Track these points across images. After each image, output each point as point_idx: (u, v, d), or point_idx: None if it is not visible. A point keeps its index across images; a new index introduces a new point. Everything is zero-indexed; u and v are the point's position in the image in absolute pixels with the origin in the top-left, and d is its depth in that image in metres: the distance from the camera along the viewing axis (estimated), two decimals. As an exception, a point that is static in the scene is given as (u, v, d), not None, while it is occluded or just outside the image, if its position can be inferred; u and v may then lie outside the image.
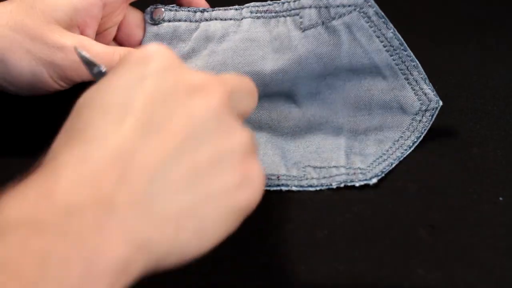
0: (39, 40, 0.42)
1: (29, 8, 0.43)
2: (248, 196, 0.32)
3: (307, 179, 0.43)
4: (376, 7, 0.46)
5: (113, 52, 0.44)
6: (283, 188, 0.42)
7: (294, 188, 0.42)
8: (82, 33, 0.45)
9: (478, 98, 0.50)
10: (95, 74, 0.36)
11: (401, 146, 0.44)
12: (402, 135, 0.45)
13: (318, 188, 0.42)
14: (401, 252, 0.39)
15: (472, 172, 0.44)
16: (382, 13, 0.46)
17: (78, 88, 0.50)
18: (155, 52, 0.33)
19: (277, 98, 0.48)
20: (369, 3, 0.46)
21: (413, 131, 0.45)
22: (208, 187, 0.31)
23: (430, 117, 0.45)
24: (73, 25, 0.44)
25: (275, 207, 0.41)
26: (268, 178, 0.43)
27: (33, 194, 0.28)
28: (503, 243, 0.39)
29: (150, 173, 0.29)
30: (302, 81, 0.47)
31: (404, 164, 0.44)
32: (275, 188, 0.42)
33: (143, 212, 0.29)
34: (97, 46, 0.44)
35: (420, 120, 0.45)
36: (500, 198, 0.42)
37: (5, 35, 0.42)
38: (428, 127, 0.45)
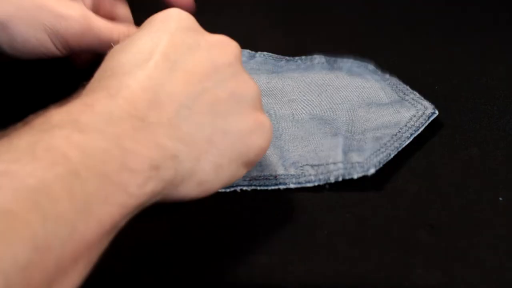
0: (45, 8, 0.43)
1: None
2: (260, 142, 0.37)
3: (305, 176, 0.43)
4: (375, 69, 0.52)
5: (111, 28, 0.45)
6: (281, 187, 0.42)
7: (292, 186, 0.42)
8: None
9: (478, 98, 0.50)
10: None
11: (399, 139, 0.45)
12: (400, 130, 0.45)
13: (316, 184, 0.42)
14: (401, 252, 0.39)
15: (472, 172, 0.44)
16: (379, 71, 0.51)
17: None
18: (178, 14, 0.38)
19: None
20: (370, 65, 0.52)
21: (411, 127, 0.45)
22: (226, 123, 0.35)
23: (427, 117, 0.46)
24: None
25: (275, 207, 0.42)
26: (266, 179, 0.43)
27: (75, 107, 0.32)
28: (503, 243, 0.39)
29: (178, 101, 0.34)
30: (306, 80, 0.50)
31: (404, 164, 0.44)
32: (273, 187, 0.42)
33: (173, 131, 0.33)
34: (100, 21, 0.45)
35: (417, 120, 0.46)
36: (500, 198, 0.42)
37: (11, 1, 0.43)
38: (426, 124, 0.45)
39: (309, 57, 0.53)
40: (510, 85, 0.51)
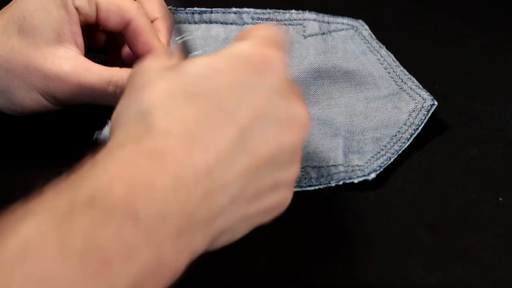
0: (32, 69, 0.41)
1: (17, 31, 0.42)
2: (278, 212, 0.35)
3: (305, 179, 0.43)
4: (370, 31, 0.52)
5: (108, 82, 0.42)
6: None
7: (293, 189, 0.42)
8: (73, 38, 0.43)
9: (478, 98, 0.50)
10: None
11: (399, 140, 0.45)
12: (399, 130, 0.45)
13: (317, 187, 0.42)
14: (400, 252, 0.39)
15: (472, 172, 0.44)
16: (375, 36, 0.51)
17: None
18: (279, 66, 0.32)
19: None
20: (365, 27, 0.52)
21: (410, 125, 0.45)
22: (256, 210, 0.33)
23: (426, 112, 0.46)
24: (63, 36, 0.43)
25: (275, 207, 0.42)
26: None
27: (137, 178, 0.29)
28: (503, 243, 0.39)
29: (228, 194, 0.30)
30: (302, 75, 0.49)
31: (404, 164, 0.44)
32: None
33: (209, 229, 0.30)
34: (91, 74, 0.42)
35: (416, 116, 0.46)
36: (500, 198, 0.42)
37: (0, 66, 0.41)
38: (425, 121, 0.45)
39: (300, 14, 0.52)
40: (510, 85, 0.51)
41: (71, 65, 0.42)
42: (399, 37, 0.58)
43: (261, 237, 0.40)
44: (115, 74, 0.43)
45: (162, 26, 0.46)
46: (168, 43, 0.47)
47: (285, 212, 0.41)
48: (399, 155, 0.44)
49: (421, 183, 0.43)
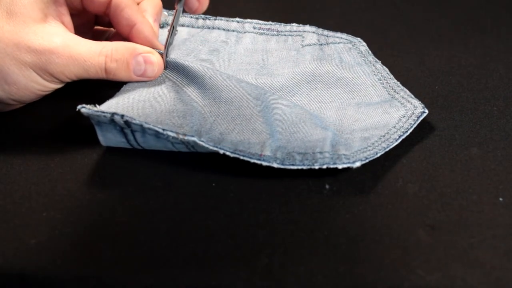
0: (22, 45, 0.42)
1: (6, 13, 0.43)
2: None
3: (289, 159, 0.43)
4: (367, 47, 0.53)
5: (98, 52, 0.44)
6: (264, 163, 0.42)
7: (275, 165, 0.42)
8: (60, 18, 0.45)
9: (478, 98, 0.50)
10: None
11: (387, 140, 0.45)
12: (388, 131, 0.45)
13: (299, 167, 0.42)
14: (400, 252, 0.39)
15: (472, 172, 0.44)
16: (371, 52, 0.53)
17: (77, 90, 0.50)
18: None
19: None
20: (362, 43, 0.53)
21: (399, 128, 0.45)
22: None
23: (416, 118, 0.46)
24: (50, 16, 0.44)
25: (275, 208, 0.42)
26: (251, 153, 0.42)
27: None
28: (503, 244, 0.39)
29: None
30: (296, 76, 0.50)
31: (404, 164, 0.44)
32: (255, 161, 0.42)
33: None
34: (81, 46, 0.44)
35: (406, 121, 0.46)
36: (500, 199, 0.42)
37: None
38: (415, 125, 0.45)
39: (300, 27, 0.54)
40: (510, 85, 0.51)
41: (61, 39, 0.43)
42: (399, 37, 0.58)
43: (261, 237, 0.40)
44: (104, 45, 0.44)
45: (148, 6, 0.48)
46: (156, 22, 0.48)
47: (285, 212, 0.41)
48: (399, 156, 0.44)
49: (421, 183, 0.43)
